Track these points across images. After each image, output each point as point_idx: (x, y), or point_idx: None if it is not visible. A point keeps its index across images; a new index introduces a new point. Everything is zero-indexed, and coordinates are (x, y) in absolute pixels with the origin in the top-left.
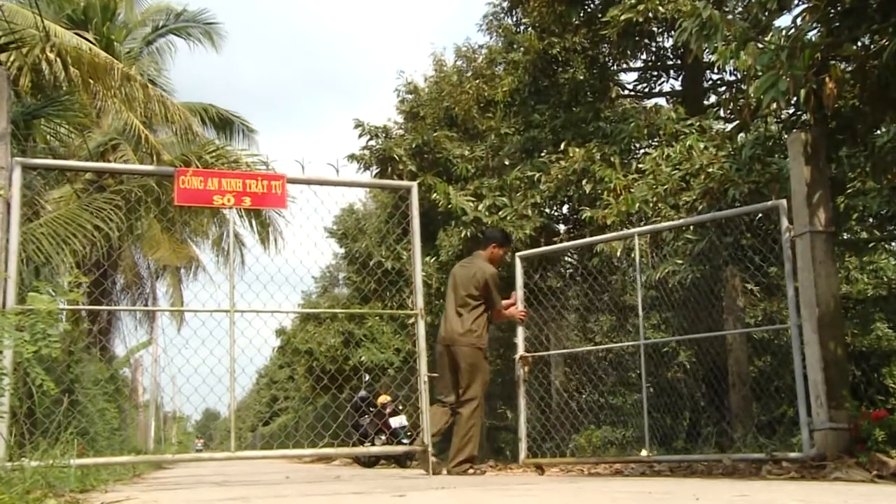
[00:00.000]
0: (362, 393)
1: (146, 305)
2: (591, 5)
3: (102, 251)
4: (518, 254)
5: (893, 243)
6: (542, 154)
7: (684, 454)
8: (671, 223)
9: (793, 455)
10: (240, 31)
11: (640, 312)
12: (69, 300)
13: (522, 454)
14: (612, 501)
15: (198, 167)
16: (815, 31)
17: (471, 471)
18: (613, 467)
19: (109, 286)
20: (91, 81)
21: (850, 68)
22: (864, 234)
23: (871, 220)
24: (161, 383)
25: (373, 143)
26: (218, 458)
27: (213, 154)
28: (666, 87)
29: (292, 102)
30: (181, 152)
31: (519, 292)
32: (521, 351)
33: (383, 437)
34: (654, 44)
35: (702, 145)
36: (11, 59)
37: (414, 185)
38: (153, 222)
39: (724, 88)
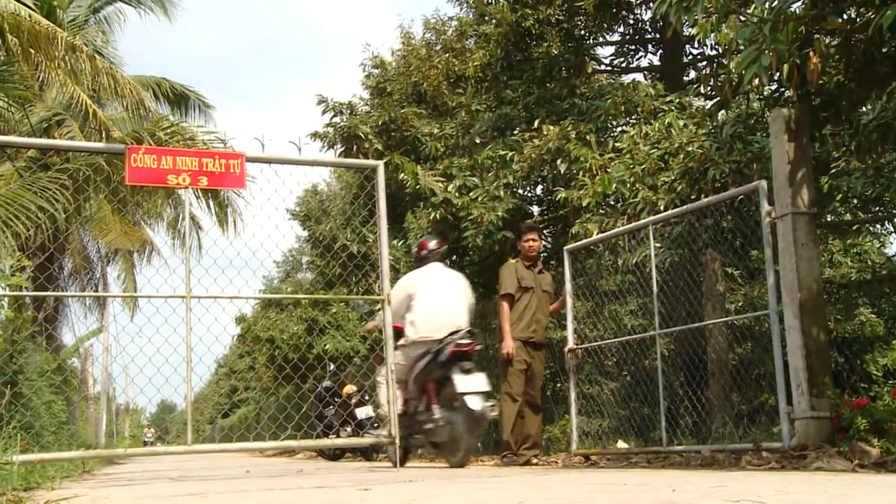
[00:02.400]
0: (326, 383)
1: (96, 291)
2: None
3: (48, 234)
4: (565, 248)
5: (878, 225)
6: (515, 132)
7: (660, 445)
8: (678, 210)
9: (773, 445)
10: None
11: (656, 302)
12: (11, 285)
13: (574, 445)
14: (585, 494)
15: (151, 145)
16: (798, 4)
17: (505, 459)
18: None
19: (56, 271)
20: (32, 51)
21: (834, 42)
22: (848, 216)
23: (855, 201)
24: (113, 374)
25: (337, 120)
26: (174, 452)
27: (168, 131)
28: (644, 63)
29: (250, 76)
30: (132, 129)
31: (567, 286)
32: (570, 343)
33: (348, 429)
34: (631, 16)
35: (681, 123)
36: None
37: (380, 164)
38: (103, 203)
39: (704, 64)
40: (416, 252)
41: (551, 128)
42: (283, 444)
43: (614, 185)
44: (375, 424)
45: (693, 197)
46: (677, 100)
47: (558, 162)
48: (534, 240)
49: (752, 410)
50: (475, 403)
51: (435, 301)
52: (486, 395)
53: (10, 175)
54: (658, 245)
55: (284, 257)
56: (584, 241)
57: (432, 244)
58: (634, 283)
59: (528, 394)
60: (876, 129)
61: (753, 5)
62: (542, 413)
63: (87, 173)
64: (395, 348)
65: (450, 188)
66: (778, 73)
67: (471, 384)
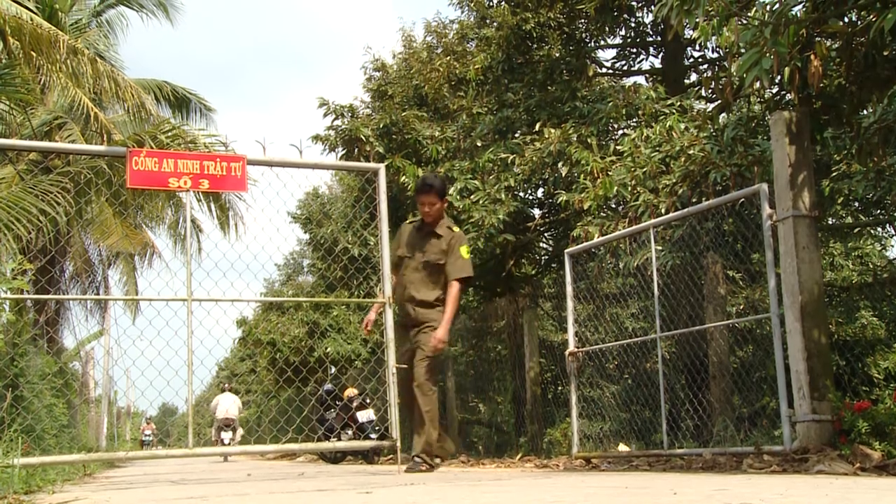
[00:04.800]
0: (328, 386)
1: (97, 294)
2: None
3: (49, 237)
4: (566, 251)
5: (879, 228)
6: (516, 135)
7: (661, 448)
8: (679, 213)
9: (775, 448)
10: (194, 2)
11: (657, 305)
12: (13, 288)
13: (575, 448)
14: (586, 497)
15: (152, 147)
16: (800, 7)
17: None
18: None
19: (57, 274)
20: (34, 54)
21: (835, 45)
22: (850, 219)
23: (856, 204)
24: (114, 377)
25: (338, 122)
26: (175, 456)
27: (169, 134)
28: (645, 65)
29: (251, 78)
30: (134, 132)
31: (568, 289)
32: (571, 346)
33: (350, 432)
34: (633, 19)
35: (682, 126)
36: None
37: (382, 167)
38: (104, 206)
39: (705, 66)
40: (222, 386)
41: (552, 131)
42: (284, 447)
43: (615, 188)
44: (377, 427)
45: (694, 200)
46: (678, 103)
47: (559, 165)
48: (430, 203)
49: (753, 413)
50: (226, 441)
51: (223, 407)
52: (232, 438)
53: (12, 178)
54: (659, 248)
55: (286, 260)
56: (585, 243)
57: (227, 387)
58: (635, 286)
59: (413, 378)
60: (877, 132)
61: (754, 8)
62: (433, 403)
63: (88, 176)
64: (211, 424)
65: (451, 191)
66: (779, 76)
67: (226, 436)
